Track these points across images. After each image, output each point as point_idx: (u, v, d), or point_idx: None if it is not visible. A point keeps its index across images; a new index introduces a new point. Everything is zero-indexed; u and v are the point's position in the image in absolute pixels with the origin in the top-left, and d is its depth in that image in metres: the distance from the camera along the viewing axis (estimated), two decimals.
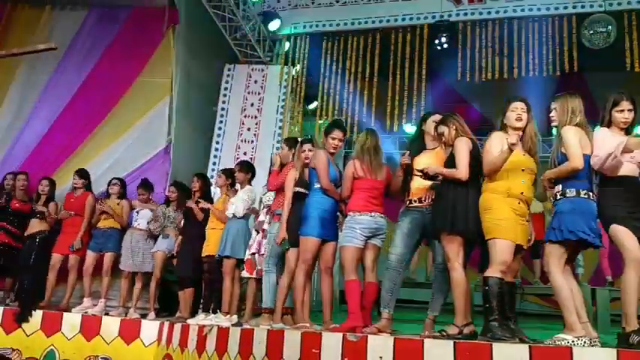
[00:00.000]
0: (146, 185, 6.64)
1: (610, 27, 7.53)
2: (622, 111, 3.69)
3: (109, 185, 6.67)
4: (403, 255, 4.38)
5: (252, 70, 8.83)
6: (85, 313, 6.06)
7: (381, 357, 3.63)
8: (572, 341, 3.36)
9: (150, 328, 5.82)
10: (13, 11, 8.21)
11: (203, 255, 5.76)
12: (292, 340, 4.06)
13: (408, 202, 4.44)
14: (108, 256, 6.37)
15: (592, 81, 8.41)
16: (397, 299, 4.46)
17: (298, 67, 8.78)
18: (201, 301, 5.97)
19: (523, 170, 3.81)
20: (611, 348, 3.30)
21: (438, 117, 4.48)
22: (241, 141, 8.49)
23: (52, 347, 5.84)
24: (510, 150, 3.66)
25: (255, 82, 8.76)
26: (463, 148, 4.01)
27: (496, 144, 3.81)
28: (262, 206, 5.62)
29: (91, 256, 6.38)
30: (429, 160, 4.34)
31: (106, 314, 6.10)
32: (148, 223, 6.37)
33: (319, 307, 4.99)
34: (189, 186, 6.36)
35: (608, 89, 3.90)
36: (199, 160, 8.23)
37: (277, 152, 5.94)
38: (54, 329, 5.89)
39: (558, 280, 3.54)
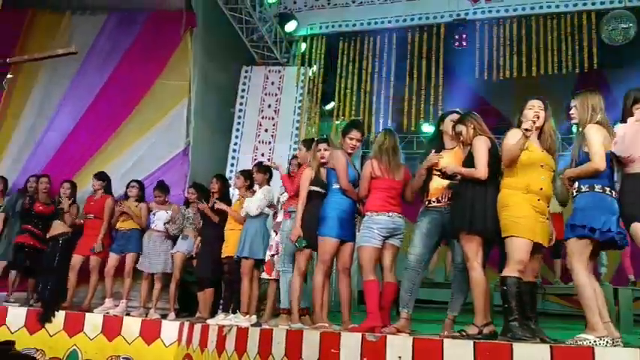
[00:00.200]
0: (162, 187, 6.71)
1: (630, 23, 7.43)
2: None
3: (127, 188, 6.73)
4: (422, 255, 4.37)
5: (269, 71, 8.88)
6: (107, 313, 6.13)
7: (400, 357, 3.62)
8: (594, 341, 3.32)
9: (170, 328, 5.88)
10: (34, 17, 8.33)
11: (222, 256, 5.81)
12: (311, 340, 4.06)
13: (426, 203, 4.43)
14: (129, 257, 6.44)
15: (612, 78, 8.31)
16: (416, 299, 4.45)
17: (315, 67, 8.81)
18: (221, 301, 6.01)
19: (542, 166, 3.77)
20: (634, 348, 3.27)
21: (455, 116, 4.46)
22: (259, 142, 8.54)
23: (74, 347, 5.92)
24: (525, 136, 3.62)
25: (272, 83, 8.80)
26: (482, 147, 3.99)
27: (514, 140, 3.77)
28: (280, 207, 5.65)
29: (113, 257, 6.46)
30: (447, 159, 4.31)
31: (127, 315, 6.17)
32: (164, 224, 6.43)
33: (338, 307, 4.99)
34: (208, 187, 6.42)
35: (628, 86, 3.85)
36: (218, 161, 8.29)
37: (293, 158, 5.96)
38: (76, 329, 5.96)
39: (582, 278, 3.48)
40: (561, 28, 7.66)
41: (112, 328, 5.93)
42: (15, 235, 6.78)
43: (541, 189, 3.73)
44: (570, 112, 3.80)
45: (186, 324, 5.77)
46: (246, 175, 6.05)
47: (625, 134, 3.54)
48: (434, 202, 4.36)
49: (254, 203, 5.56)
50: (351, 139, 4.76)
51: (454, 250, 4.40)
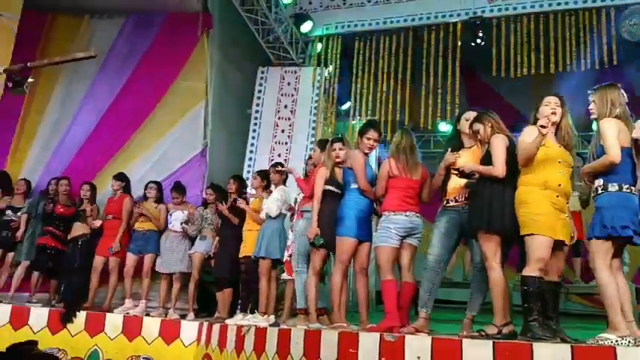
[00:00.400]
0: (179, 188, 6.75)
1: None
2: None
3: (145, 189, 6.79)
4: (441, 255, 4.34)
5: (285, 72, 8.90)
6: (127, 313, 6.19)
7: (419, 357, 3.59)
8: (616, 341, 3.27)
9: (189, 328, 5.92)
10: (54, 21, 8.44)
11: (240, 256, 5.83)
12: (329, 340, 4.06)
13: (444, 202, 4.41)
14: (148, 258, 6.51)
15: (632, 74, 8.19)
16: (434, 299, 4.42)
17: (331, 67, 8.81)
18: (239, 301, 6.04)
19: (560, 162, 3.72)
20: None
21: (470, 114, 4.44)
22: (275, 143, 8.56)
23: (95, 347, 5.98)
24: (542, 134, 3.58)
25: (289, 84, 8.82)
26: (499, 145, 3.96)
27: (529, 137, 3.74)
28: (297, 207, 5.66)
29: (131, 258, 6.53)
30: (465, 158, 4.29)
31: (147, 315, 6.23)
32: (181, 224, 6.48)
33: (355, 307, 4.99)
34: (225, 188, 6.45)
35: None
36: (235, 162, 8.33)
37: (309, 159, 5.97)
38: (97, 330, 6.03)
39: (604, 277, 3.43)
40: (579, 24, 7.57)
41: (132, 328, 5.98)
42: (37, 236, 6.89)
43: (559, 185, 3.69)
44: (589, 107, 3.75)
45: (205, 324, 5.80)
46: (263, 175, 6.08)
47: None
48: (452, 201, 4.34)
49: (273, 204, 5.58)
50: (369, 139, 4.74)
51: (472, 249, 4.37)
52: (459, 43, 8.10)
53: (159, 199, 6.77)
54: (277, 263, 5.60)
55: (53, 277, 6.87)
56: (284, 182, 5.89)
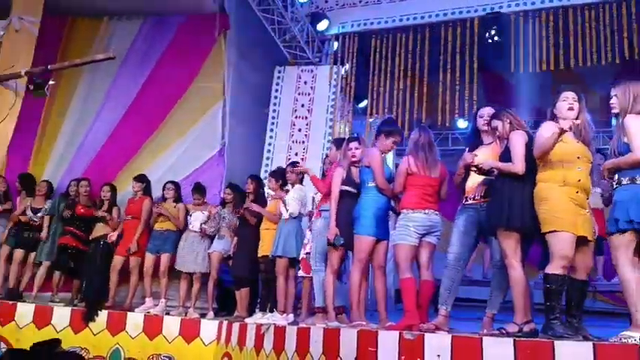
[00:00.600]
0: (200, 189, 6.79)
1: None
2: None
3: (164, 189, 6.85)
4: (461, 253, 4.32)
5: (302, 71, 8.90)
6: (147, 313, 6.25)
7: (439, 355, 3.58)
8: None
9: (209, 327, 5.96)
10: (73, 24, 8.54)
11: (259, 255, 5.86)
12: (349, 339, 4.06)
13: (463, 200, 4.38)
14: (165, 257, 6.54)
15: None
16: (455, 297, 4.40)
17: (347, 66, 8.79)
18: (258, 300, 6.07)
19: (579, 158, 3.68)
20: None
21: (486, 111, 4.41)
22: (292, 142, 8.57)
23: (117, 346, 6.05)
24: (561, 132, 3.54)
25: (305, 82, 8.83)
26: (519, 141, 3.92)
27: (547, 132, 3.69)
28: (314, 206, 5.67)
29: (149, 257, 6.57)
30: (484, 155, 4.26)
31: (167, 314, 6.28)
32: (201, 224, 6.52)
33: (374, 306, 4.98)
34: (243, 188, 6.48)
35: None
36: (253, 161, 8.36)
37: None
38: (119, 328, 6.10)
39: (626, 273, 3.37)
40: (600, 19, 7.45)
41: (152, 327, 6.04)
42: (58, 237, 7.00)
43: (579, 181, 3.64)
44: (611, 101, 3.69)
45: (225, 323, 5.84)
46: (277, 175, 6.08)
47: None
48: (470, 199, 4.31)
49: (293, 207, 5.60)
50: (394, 142, 4.78)
51: (492, 247, 4.34)
52: (477, 40, 8.03)
53: (177, 199, 6.82)
54: (295, 262, 5.62)
55: (75, 276, 6.96)
56: (301, 181, 5.91)
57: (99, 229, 6.84)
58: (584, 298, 3.89)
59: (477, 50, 8.01)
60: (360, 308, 4.63)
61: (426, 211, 4.38)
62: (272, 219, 5.83)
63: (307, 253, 5.43)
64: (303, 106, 8.71)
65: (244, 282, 6.12)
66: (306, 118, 8.65)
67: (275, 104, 8.79)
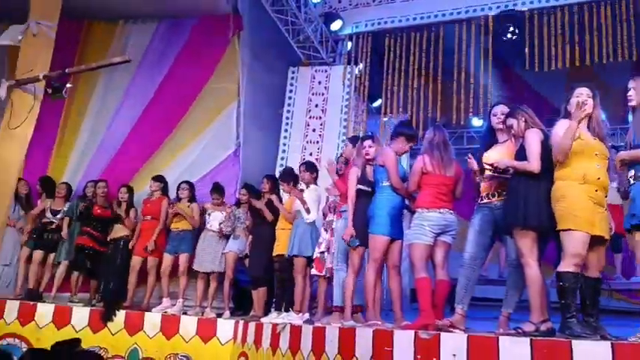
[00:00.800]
0: (219, 189, 6.82)
1: None
2: None
3: (178, 190, 6.90)
4: (476, 253, 4.30)
5: (316, 71, 8.92)
6: (165, 312, 6.31)
7: (454, 355, 3.57)
8: None
9: (225, 326, 5.99)
10: (90, 27, 8.63)
11: (274, 254, 5.89)
12: (364, 338, 4.06)
13: (479, 200, 4.36)
14: (183, 257, 6.61)
15: None
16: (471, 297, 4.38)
17: (361, 65, 8.79)
18: (274, 299, 6.10)
19: (596, 155, 3.65)
20: None
21: (499, 109, 4.39)
22: (307, 142, 8.59)
23: (135, 345, 6.11)
24: (577, 123, 3.51)
25: (319, 83, 8.84)
26: (534, 139, 3.89)
27: (562, 131, 3.66)
28: (334, 206, 5.66)
29: (167, 258, 6.64)
30: (499, 153, 4.24)
31: (184, 314, 6.33)
32: (219, 224, 6.57)
33: (390, 305, 4.98)
34: (258, 187, 6.52)
35: None
36: (267, 161, 8.39)
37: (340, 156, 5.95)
38: (136, 328, 6.15)
39: None
40: (615, 15, 7.37)
41: (169, 326, 6.09)
42: (75, 237, 7.09)
43: (598, 178, 3.61)
44: (628, 93, 3.65)
45: (241, 322, 5.86)
46: (288, 177, 6.08)
47: None
48: (484, 198, 4.29)
49: (314, 207, 5.62)
50: (411, 147, 4.81)
51: (507, 246, 4.32)
52: (491, 37, 7.98)
53: (192, 199, 6.88)
54: (310, 261, 5.63)
55: (93, 277, 7.05)
56: (315, 181, 5.92)
57: (118, 230, 6.93)
58: (599, 296, 3.86)
59: (492, 48, 7.96)
60: (375, 308, 4.63)
61: (441, 210, 4.37)
62: (288, 217, 5.85)
63: (321, 252, 5.44)
64: (317, 106, 8.73)
65: (261, 281, 6.15)
66: (320, 118, 8.66)
67: (289, 105, 8.81)
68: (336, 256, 5.19)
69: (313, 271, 5.57)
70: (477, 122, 10.51)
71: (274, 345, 5.01)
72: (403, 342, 3.82)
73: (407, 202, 4.74)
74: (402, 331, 3.98)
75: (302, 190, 5.87)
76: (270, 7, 8.30)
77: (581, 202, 3.56)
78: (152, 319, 6.18)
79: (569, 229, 3.54)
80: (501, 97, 8.14)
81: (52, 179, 7.61)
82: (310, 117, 8.69)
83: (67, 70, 5.21)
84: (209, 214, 6.69)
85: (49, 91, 5.15)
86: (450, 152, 4.55)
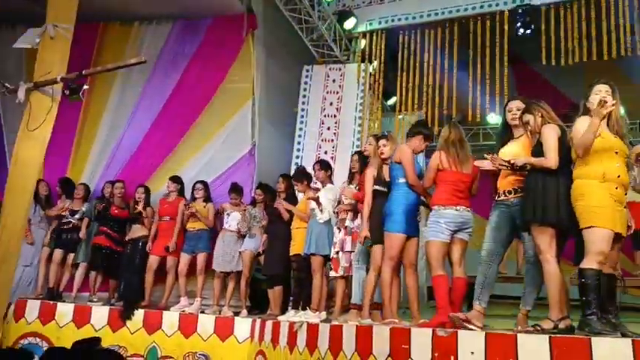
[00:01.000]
0: (237, 189, 6.86)
1: None
2: None
3: (193, 189, 6.95)
4: (492, 249, 4.25)
5: (330, 69, 8.91)
6: (183, 311, 6.36)
7: (472, 352, 3.55)
8: None
9: (243, 325, 6.03)
10: (105, 29, 8.70)
11: (291, 254, 5.90)
12: (381, 336, 4.05)
13: (495, 197, 4.33)
14: (201, 257, 6.66)
15: None
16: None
17: (375, 63, 8.77)
18: (291, 298, 6.11)
19: (617, 153, 3.61)
20: None
21: (513, 104, 4.34)
22: (322, 140, 8.59)
23: (154, 344, 6.17)
24: (600, 119, 3.47)
25: (334, 81, 8.83)
26: (551, 135, 3.84)
27: (583, 127, 3.62)
28: (343, 203, 5.65)
29: (184, 257, 6.70)
30: (514, 149, 4.20)
31: (202, 312, 6.38)
32: (237, 224, 6.60)
33: (406, 304, 4.96)
34: (273, 186, 6.53)
35: None
36: (283, 160, 8.41)
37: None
38: (155, 327, 6.22)
39: None
40: (634, 7, 7.26)
41: (187, 325, 6.14)
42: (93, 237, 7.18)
43: (619, 176, 3.57)
44: None
45: (258, 321, 5.90)
46: (301, 177, 6.09)
47: None
48: (501, 195, 4.25)
49: (328, 211, 5.62)
50: (427, 146, 4.78)
51: (525, 242, 4.28)
52: (506, 33, 7.90)
53: (207, 199, 6.92)
54: (327, 260, 5.63)
55: (111, 276, 7.12)
56: (329, 179, 5.92)
57: (136, 231, 7.00)
58: (615, 293, 3.83)
59: (507, 43, 7.89)
60: (392, 306, 4.62)
61: (458, 207, 4.34)
62: (303, 218, 5.86)
63: (337, 252, 5.44)
64: (331, 104, 8.72)
65: (277, 280, 6.17)
66: (335, 116, 8.66)
67: (304, 103, 8.82)
68: (356, 254, 5.18)
69: (332, 273, 5.54)
70: (493, 119, 10.43)
71: (291, 343, 5.02)
72: (421, 340, 3.80)
73: (423, 198, 4.72)
74: (420, 329, 3.97)
75: (317, 190, 5.86)
76: (284, 6, 8.32)
77: (602, 199, 3.52)
78: (170, 318, 6.24)
79: (592, 227, 3.50)
80: (517, 93, 8.07)
81: (71, 180, 7.70)
82: (325, 115, 8.69)
83: (83, 72, 5.27)
84: (228, 214, 6.72)
85: (67, 92, 5.22)
86: (467, 149, 4.51)
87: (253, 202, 6.72)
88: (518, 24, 8.03)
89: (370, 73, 8.79)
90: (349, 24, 8.82)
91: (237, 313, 6.34)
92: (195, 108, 8.09)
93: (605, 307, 3.55)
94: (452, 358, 3.61)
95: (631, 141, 4.33)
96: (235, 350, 5.94)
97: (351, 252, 5.32)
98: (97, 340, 5.93)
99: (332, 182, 5.95)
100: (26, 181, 5.75)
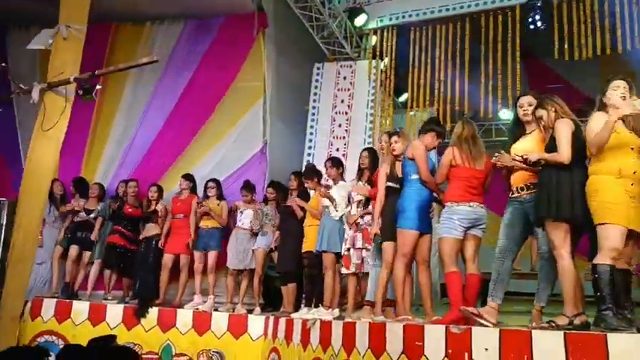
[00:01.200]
0: (249, 187, 6.88)
1: None
2: None
3: (205, 188, 6.98)
4: (505, 246, 4.23)
5: (341, 66, 8.89)
6: (196, 309, 6.40)
7: (486, 349, 3.54)
8: None
9: (256, 323, 6.06)
10: (117, 30, 8.75)
11: (303, 251, 5.91)
12: (394, 333, 4.04)
13: (509, 193, 4.30)
14: (212, 255, 6.69)
15: None
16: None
17: (386, 59, 8.73)
18: (303, 295, 6.12)
19: (632, 149, 3.57)
20: None
21: (525, 100, 4.31)
22: (333, 137, 8.58)
23: (168, 342, 6.22)
24: (619, 119, 3.44)
25: (345, 78, 8.81)
26: (564, 130, 3.81)
27: (599, 124, 3.59)
28: (352, 201, 5.65)
29: (197, 255, 6.74)
30: (526, 145, 4.17)
31: (215, 310, 6.41)
32: (250, 222, 6.62)
33: (420, 300, 4.95)
34: (285, 184, 6.54)
35: None
36: (294, 158, 8.41)
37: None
38: (169, 325, 6.27)
39: None
40: None
41: (201, 323, 6.18)
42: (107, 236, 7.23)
43: (634, 172, 3.53)
44: None
45: (272, 318, 5.92)
46: (311, 174, 6.08)
47: None
48: (514, 192, 4.23)
49: (342, 208, 5.62)
50: (439, 143, 4.77)
51: (538, 238, 4.25)
52: (518, 27, 7.83)
53: (219, 197, 6.94)
54: (338, 257, 5.64)
55: (125, 274, 7.18)
56: (341, 176, 5.91)
57: (150, 229, 7.04)
58: (630, 288, 3.78)
59: (519, 38, 7.82)
60: (405, 303, 4.61)
61: (471, 203, 4.32)
62: (315, 215, 5.87)
63: (347, 249, 5.44)
64: (342, 101, 8.71)
65: (291, 277, 6.18)
66: (346, 113, 8.64)
67: (315, 101, 8.81)
68: (371, 252, 5.17)
69: (343, 270, 5.54)
70: (505, 114, 10.36)
71: (305, 341, 5.03)
72: (434, 336, 3.80)
73: (435, 195, 4.70)
74: (433, 326, 3.97)
75: (328, 187, 5.86)
76: (295, 3, 8.31)
77: (617, 196, 3.49)
78: (184, 316, 6.28)
79: (606, 223, 3.47)
80: (529, 88, 8.01)
81: (84, 180, 7.77)
82: (336, 112, 8.68)
83: (96, 72, 5.32)
84: (241, 212, 6.74)
85: (80, 93, 5.27)
86: (480, 145, 4.49)
87: (265, 200, 6.74)
88: (530, 19, 7.93)
89: (381, 70, 8.75)
90: (360, 21, 8.79)
91: (250, 311, 6.36)
92: (207, 107, 8.12)
93: (620, 302, 3.52)
94: (466, 354, 3.60)
95: None
96: (249, 347, 5.97)
97: (362, 249, 5.32)
98: (113, 337, 5.95)
99: (344, 179, 5.94)
100: (41, 181, 5.83)
